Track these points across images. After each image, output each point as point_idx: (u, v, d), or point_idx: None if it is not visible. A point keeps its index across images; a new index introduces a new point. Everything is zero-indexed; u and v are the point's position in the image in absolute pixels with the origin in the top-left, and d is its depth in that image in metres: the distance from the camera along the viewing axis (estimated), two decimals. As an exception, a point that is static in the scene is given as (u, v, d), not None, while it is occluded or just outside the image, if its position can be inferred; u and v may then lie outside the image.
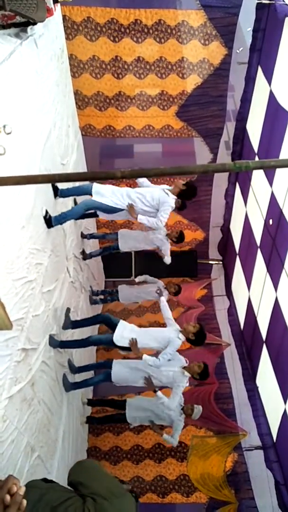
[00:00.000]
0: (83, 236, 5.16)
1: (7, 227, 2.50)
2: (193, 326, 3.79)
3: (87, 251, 5.28)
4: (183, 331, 3.81)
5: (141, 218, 4.08)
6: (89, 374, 4.40)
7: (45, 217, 3.35)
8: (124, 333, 3.87)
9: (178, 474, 4.78)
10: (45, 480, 1.68)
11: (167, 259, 5.02)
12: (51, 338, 3.42)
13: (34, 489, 1.42)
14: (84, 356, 4.89)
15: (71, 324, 3.92)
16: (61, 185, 3.86)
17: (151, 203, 4.08)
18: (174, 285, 5.14)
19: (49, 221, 3.44)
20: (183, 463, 4.82)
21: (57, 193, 3.78)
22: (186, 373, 3.85)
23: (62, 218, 3.70)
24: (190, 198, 4.31)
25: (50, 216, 3.46)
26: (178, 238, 4.95)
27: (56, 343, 3.55)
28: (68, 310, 3.94)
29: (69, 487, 1.56)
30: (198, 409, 3.95)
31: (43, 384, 3.17)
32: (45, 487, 1.52)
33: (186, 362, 3.97)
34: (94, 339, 4.15)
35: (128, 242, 5.25)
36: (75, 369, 4.13)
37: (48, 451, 3.25)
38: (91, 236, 5.42)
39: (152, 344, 3.88)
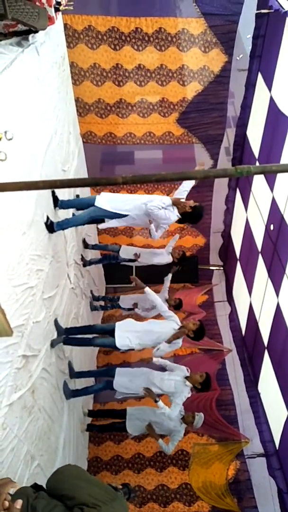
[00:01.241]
0: (85, 246, 5.15)
1: (8, 233, 2.50)
2: (193, 323, 3.87)
3: (87, 258, 5.28)
4: (183, 327, 3.86)
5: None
6: (89, 382, 4.36)
7: (46, 223, 3.35)
8: (124, 337, 3.86)
9: (179, 482, 4.73)
10: (35, 485, 1.65)
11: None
12: (53, 341, 3.41)
13: (22, 496, 1.40)
14: (85, 361, 4.87)
15: (64, 331, 3.81)
16: (62, 196, 3.84)
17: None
18: (174, 299, 5.12)
19: (51, 227, 3.43)
20: (184, 472, 4.77)
21: (56, 203, 3.72)
22: (188, 383, 3.82)
23: (64, 224, 3.69)
24: (192, 222, 4.30)
25: (51, 222, 3.46)
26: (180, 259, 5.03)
27: (58, 341, 3.55)
28: (55, 320, 3.69)
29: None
30: (199, 417, 3.90)
31: (44, 392, 3.14)
32: (33, 495, 1.49)
33: (188, 371, 3.95)
34: (97, 343, 4.13)
35: (129, 254, 5.30)
36: (74, 374, 4.10)
37: (48, 459, 3.21)
38: (93, 247, 5.41)
39: (154, 344, 3.91)
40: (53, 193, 3.69)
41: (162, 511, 4.60)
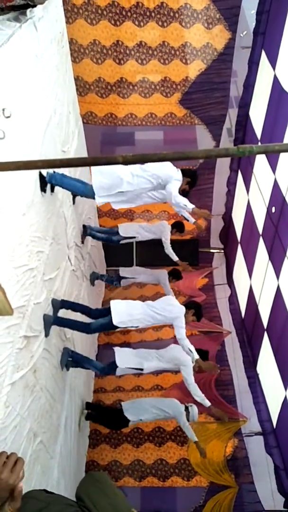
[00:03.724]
0: (84, 232, 4.99)
1: (7, 214, 2.49)
2: (192, 315, 3.98)
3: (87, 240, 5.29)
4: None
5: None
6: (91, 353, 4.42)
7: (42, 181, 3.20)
8: (122, 314, 3.79)
9: (178, 458, 4.86)
10: (44, 491, 1.61)
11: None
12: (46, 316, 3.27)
13: (33, 501, 1.33)
14: (87, 343, 4.93)
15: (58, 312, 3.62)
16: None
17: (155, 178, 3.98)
18: (172, 278, 5.34)
19: (44, 183, 3.24)
20: (183, 447, 4.90)
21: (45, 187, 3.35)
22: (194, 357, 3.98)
23: (60, 179, 3.47)
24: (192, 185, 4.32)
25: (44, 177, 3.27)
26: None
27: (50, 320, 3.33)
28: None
29: (70, 499, 1.49)
30: (193, 409, 4.23)
31: (45, 371, 3.20)
32: (45, 500, 1.44)
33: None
34: (94, 327, 4.09)
35: (129, 232, 5.33)
36: (71, 364, 3.99)
37: (51, 436, 3.29)
38: (92, 234, 5.29)
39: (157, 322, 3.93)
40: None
41: (161, 485, 4.74)
